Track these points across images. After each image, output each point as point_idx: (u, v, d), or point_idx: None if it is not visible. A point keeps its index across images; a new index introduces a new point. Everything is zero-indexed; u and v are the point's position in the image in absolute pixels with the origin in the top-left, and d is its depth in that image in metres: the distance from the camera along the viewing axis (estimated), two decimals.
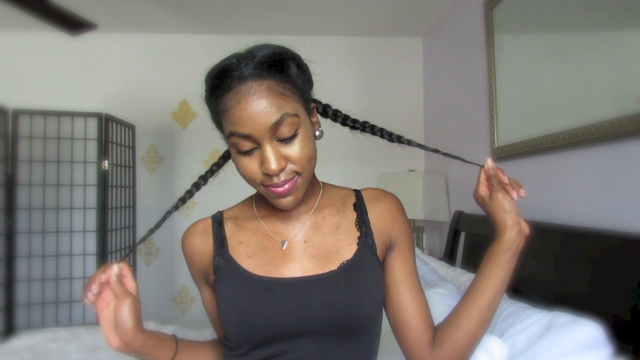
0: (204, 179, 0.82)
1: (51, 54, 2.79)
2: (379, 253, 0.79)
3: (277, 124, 0.66)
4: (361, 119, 0.83)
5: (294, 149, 0.68)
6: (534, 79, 1.62)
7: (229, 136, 0.69)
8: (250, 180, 0.71)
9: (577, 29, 1.38)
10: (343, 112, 0.82)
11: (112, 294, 0.68)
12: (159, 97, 2.86)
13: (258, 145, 0.67)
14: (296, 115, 0.68)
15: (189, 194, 0.81)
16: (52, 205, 2.52)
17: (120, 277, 0.69)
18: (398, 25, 2.79)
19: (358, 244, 0.78)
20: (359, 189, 0.86)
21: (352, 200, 0.84)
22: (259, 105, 0.65)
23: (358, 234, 0.79)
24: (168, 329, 1.79)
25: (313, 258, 0.76)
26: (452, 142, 2.46)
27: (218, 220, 0.83)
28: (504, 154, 1.81)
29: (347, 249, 0.77)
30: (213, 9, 2.53)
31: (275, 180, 0.68)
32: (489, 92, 1.94)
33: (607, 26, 1.25)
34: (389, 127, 0.81)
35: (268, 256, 0.77)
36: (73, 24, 1.72)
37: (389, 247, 0.81)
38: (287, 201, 0.71)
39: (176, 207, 0.80)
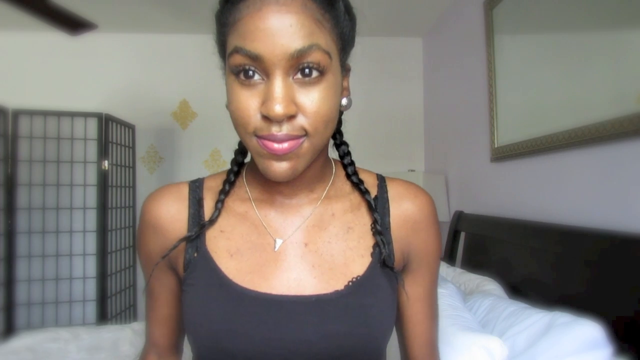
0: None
1: (51, 54, 2.79)
2: (396, 265, 0.62)
3: (300, 53, 0.47)
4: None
5: (312, 97, 0.49)
6: (533, 79, 1.61)
7: (231, 54, 0.50)
8: (241, 124, 0.51)
9: (577, 29, 1.38)
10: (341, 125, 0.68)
11: None
12: (159, 97, 2.85)
13: (266, 76, 0.49)
14: (328, 54, 0.49)
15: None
16: (52, 205, 2.51)
17: None
18: (398, 25, 2.79)
19: (372, 254, 0.59)
20: (384, 176, 0.66)
21: (374, 192, 0.64)
22: (285, 20, 0.47)
23: (373, 240, 0.60)
24: None
25: (314, 269, 0.58)
26: (452, 142, 2.46)
27: (197, 197, 0.62)
28: (504, 154, 1.81)
29: (358, 262, 0.59)
30: (213, 9, 2.52)
31: (274, 130, 0.49)
32: (489, 92, 1.94)
33: (607, 26, 1.25)
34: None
35: (255, 258, 0.58)
36: (73, 24, 1.72)
37: (405, 262, 0.64)
38: (281, 167, 0.51)
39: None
